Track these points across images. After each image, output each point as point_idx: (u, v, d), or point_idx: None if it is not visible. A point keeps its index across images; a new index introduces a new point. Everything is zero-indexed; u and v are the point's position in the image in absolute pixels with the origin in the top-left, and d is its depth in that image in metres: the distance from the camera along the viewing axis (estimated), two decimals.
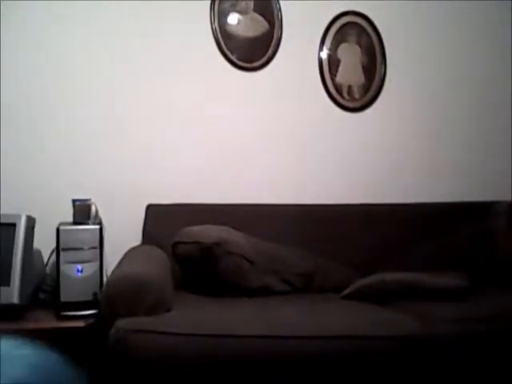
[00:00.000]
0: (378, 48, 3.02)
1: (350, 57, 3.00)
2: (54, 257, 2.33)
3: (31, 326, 2.07)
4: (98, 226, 2.28)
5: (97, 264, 2.24)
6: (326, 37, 2.96)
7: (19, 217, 2.19)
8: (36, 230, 2.30)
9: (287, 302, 2.23)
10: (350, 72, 3.00)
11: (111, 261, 2.28)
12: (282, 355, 1.79)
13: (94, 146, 2.72)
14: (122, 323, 1.79)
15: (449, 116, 3.08)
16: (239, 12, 2.87)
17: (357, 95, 3.00)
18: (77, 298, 2.19)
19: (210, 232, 2.36)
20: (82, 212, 2.35)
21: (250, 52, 2.89)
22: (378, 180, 2.98)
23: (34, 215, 2.29)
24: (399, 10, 3.00)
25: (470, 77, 3.09)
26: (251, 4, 2.88)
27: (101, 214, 2.40)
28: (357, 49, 3.01)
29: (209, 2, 2.83)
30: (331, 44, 2.97)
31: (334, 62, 2.97)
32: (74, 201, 2.40)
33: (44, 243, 2.37)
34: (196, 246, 2.28)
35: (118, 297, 1.87)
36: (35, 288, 2.32)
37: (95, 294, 2.16)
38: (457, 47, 3.08)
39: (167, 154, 2.78)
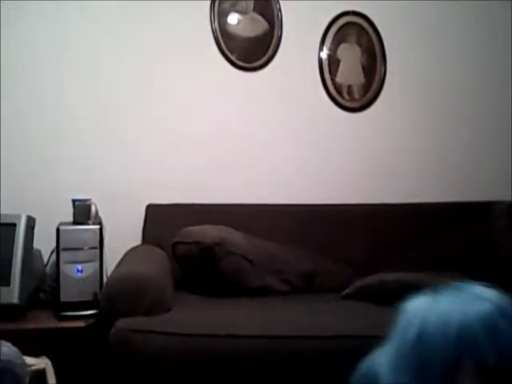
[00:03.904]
0: (377, 48, 3.01)
1: (350, 57, 3.00)
2: (54, 257, 2.34)
3: (31, 325, 2.08)
4: (98, 226, 2.29)
5: (97, 264, 2.24)
6: (326, 37, 2.96)
7: (19, 217, 2.19)
8: (36, 230, 2.30)
9: (287, 302, 2.23)
10: (350, 72, 3.00)
11: (111, 261, 2.28)
12: (281, 355, 1.79)
13: (95, 146, 2.71)
14: (121, 323, 1.80)
15: (449, 116, 3.08)
16: (239, 12, 2.87)
17: (357, 95, 3.00)
18: (77, 298, 2.19)
19: (209, 232, 2.36)
20: (82, 212, 2.35)
21: (250, 52, 2.88)
22: (378, 180, 2.98)
23: (33, 215, 2.29)
24: (399, 10, 3.00)
25: (469, 76, 3.08)
26: (251, 4, 2.88)
27: (101, 214, 2.40)
28: (357, 49, 3.01)
29: (209, 2, 2.83)
30: (331, 44, 2.97)
31: (333, 62, 2.97)
32: (73, 201, 2.40)
33: (44, 243, 2.37)
34: (196, 246, 2.28)
35: (118, 297, 1.87)
36: (35, 288, 2.32)
37: (95, 294, 2.16)
38: (457, 47, 3.08)
39: (167, 154, 2.78)
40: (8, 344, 1.27)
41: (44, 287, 2.40)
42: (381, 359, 0.90)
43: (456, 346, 0.81)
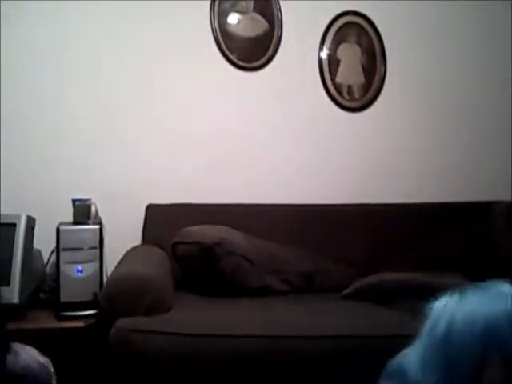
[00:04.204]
0: (378, 48, 3.01)
1: (350, 57, 3.00)
2: (54, 257, 2.34)
3: (31, 325, 2.07)
4: (98, 226, 2.29)
5: (97, 264, 2.24)
6: (326, 37, 2.96)
7: (19, 217, 2.19)
8: (36, 230, 2.30)
9: (287, 302, 2.23)
10: (350, 72, 3.00)
11: (111, 261, 2.28)
12: (281, 355, 1.79)
13: (95, 146, 2.71)
14: (121, 323, 1.79)
15: (449, 116, 3.08)
16: (239, 12, 2.87)
17: (357, 95, 3.00)
18: (77, 298, 2.19)
19: (210, 232, 2.36)
20: (82, 212, 2.35)
21: (250, 52, 2.89)
22: (378, 180, 2.98)
23: (33, 215, 2.29)
24: (399, 9, 3.00)
25: (470, 77, 3.08)
26: (251, 4, 2.88)
27: (101, 214, 2.40)
28: (357, 49, 3.01)
29: (209, 2, 2.83)
30: (331, 44, 2.97)
31: (333, 62, 2.97)
32: (73, 201, 2.40)
33: (44, 243, 2.37)
34: (196, 246, 2.28)
35: (118, 297, 1.87)
36: (35, 288, 2.32)
37: (95, 294, 2.16)
38: (457, 47, 3.08)
39: (167, 154, 2.78)
40: (29, 349, 1.23)
41: (44, 287, 2.40)
42: (410, 357, 0.93)
43: (482, 342, 0.84)
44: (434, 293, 2.30)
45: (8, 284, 2.08)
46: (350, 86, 2.99)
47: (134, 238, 2.63)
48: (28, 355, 1.20)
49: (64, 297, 2.19)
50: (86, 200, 2.40)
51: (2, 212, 2.23)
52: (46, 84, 2.67)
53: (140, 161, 2.76)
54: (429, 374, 0.87)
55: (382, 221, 2.76)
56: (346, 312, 2.07)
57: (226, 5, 2.85)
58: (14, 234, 2.14)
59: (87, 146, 2.70)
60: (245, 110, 2.88)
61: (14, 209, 2.27)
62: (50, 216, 2.35)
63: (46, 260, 2.46)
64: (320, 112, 2.95)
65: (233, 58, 2.85)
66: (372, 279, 2.34)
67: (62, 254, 2.21)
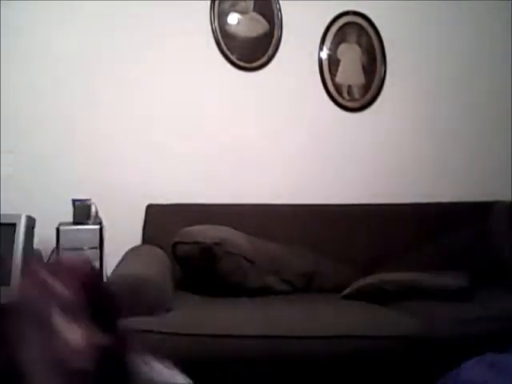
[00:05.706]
0: (378, 48, 3.01)
1: (350, 57, 3.00)
2: (54, 257, 2.34)
3: None
4: (97, 226, 2.29)
5: (97, 264, 2.24)
6: (326, 37, 2.96)
7: (19, 217, 2.19)
8: (36, 230, 2.30)
9: (287, 302, 2.23)
10: (350, 72, 3.00)
11: (111, 261, 2.28)
12: (282, 355, 1.79)
13: (94, 146, 2.71)
14: (121, 323, 1.79)
15: (449, 116, 3.08)
16: (239, 12, 2.87)
17: (357, 95, 3.00)
18: None
19: (209, 232, 2.35)
20: (82, 212, 2.35)
21: (250, 52, 2.89)
22: (377, 180, 2.98)
23: (33, 215, 2.29)
24: (399, 9, 3.00)
25: (470, 77, 3.08)
26: (251, 4, 2.88)
27: (101, 214, 2.41)
28: (357, 49, 3.01)
29: (209, 2, 2.83)
30: (331, 44, 2.97)
31: (333, 62, 2.97)
32: (73, 201, 2.40)
33: (44, 243, 2.37)
34: (196, 246, 2.28)
35: (118, 297, 1.87)
36: None
37: None
38: (457, 47, 3.08)
39: (167, 154, 2.78)
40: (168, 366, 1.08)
41: None
42: None
43: None
44: (434, 293, 2.30)
45: (8, 284, 2.08)
46: (350, 86, 2.99)
47: (134, 238, 2.63)
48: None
49: None
50: (85, 200, 2.40)
51: (2, 212, 2.23)
52: (46, 84, 2.67)
53: (140, 161, 2.75)
54: None
55: (382, 221, 2.76)
56: (346, 312, 2.07)
57: (226, 5, 2.85)
58: (13, 234, 2.15)
59: (87, 147, 2.70)
60: (244, 110, 2.88)
61: (14, 209, 2.27)
62: (50, 216, 2.35)
63: (46, 260, 2.46)
64: (320, 112, 2.95)
65: (233, 58, 2.85)
66: (372, 279, 2.34)
67: (62, 254, 2.21)
